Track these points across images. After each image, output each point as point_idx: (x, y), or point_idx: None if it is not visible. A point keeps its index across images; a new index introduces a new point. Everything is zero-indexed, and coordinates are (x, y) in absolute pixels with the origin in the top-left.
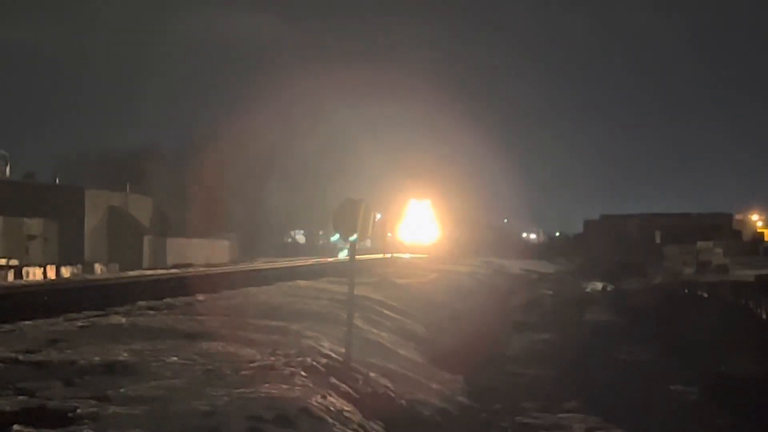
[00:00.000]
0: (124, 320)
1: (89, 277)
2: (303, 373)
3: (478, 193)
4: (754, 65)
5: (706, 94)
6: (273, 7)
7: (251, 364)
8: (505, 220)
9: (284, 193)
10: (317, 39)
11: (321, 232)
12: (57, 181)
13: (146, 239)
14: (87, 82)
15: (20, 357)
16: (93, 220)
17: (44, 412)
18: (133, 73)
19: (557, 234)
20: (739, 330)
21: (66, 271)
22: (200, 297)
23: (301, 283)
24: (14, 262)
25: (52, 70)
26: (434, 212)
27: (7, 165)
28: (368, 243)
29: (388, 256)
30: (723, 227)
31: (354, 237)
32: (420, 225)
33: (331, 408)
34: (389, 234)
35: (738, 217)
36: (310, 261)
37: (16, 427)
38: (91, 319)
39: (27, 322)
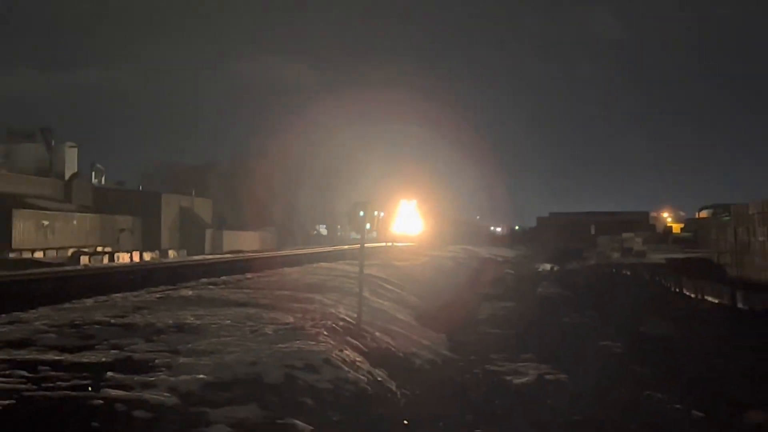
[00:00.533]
0: (190, 293)
1: (165, 260)
2: (325, 333)
3: (455, 194)
4: (671, 89)
5: (628, 115)
6: (301, 58)
7: (286, 326)
8: (477, 217)
9: (310, 197)
10: (332, 81)
11: (338, 226)
12: (140, 187)
13: (208, 232)
14: (163, 112)
15: (112, 320)
16: (168, 217)
17: (131, 362)
18: (197, 105)
19: (516, 227)
20: (653, 300)
21: (147, 256)
22: (248, 275)
23: (323, 264)
24: (108, 249)
25: (136, 102)
26: (420, 210)
27: (103, 176)
28: (374, 234)
29: (389, 244)
30: (641, 222)
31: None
32: (408, 220)
33: (347, 359)
34: (391, 227)
35: (653, 214)
36: (330, 248)
37: (109, 373)
38: (165, 292)
39: (118, 294)
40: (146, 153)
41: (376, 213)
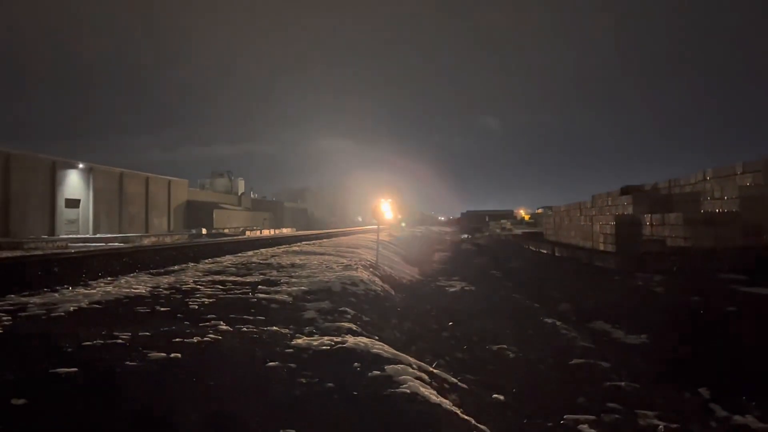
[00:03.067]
0: (297, 248)
1: (283, 235)
2: (361, 267)
3: (423, 198)
4: (528, 154)
5: (507, 164)
6: (349, 137)
7: (342, 264)
8: (432, 212)
9: (354, 201)
10: (363, 147)
11: (367, 217)
12: (274, 198)
13: (305, 220)
14: (287, 163)
15: (260, 261)
16: (286, 213)
17: (269, 281)
18: (302, 159)
19: (451, 217)
20: (515, 251)
21: (276, 231)
22: (324, 240)
23: (360, 235)
24: (257, 228)
25: (273, 157)
26: (401, 206)
27: (255, 194)
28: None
29: (394, 225)
30: (510, 214)
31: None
32: (388, 212)
33: (372, 280)
34: (398, 217)
35: (515, 210)
36: (362, 228)
37: (259, 287)
38: (285, 248)
39: (262, 249)
40: (276, 182)
41: (383, 209)
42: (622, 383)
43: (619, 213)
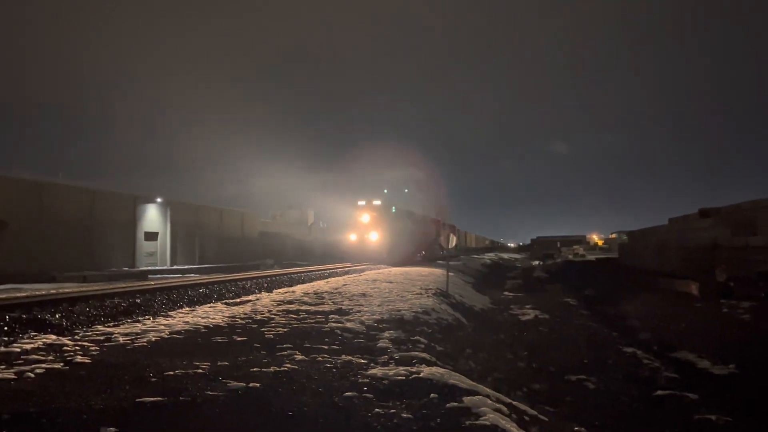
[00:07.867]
0: (366, 277)
1: (351, 263)
2: (432, 295)
3: (493, 225)
4: (593, 177)
5: (577, 188)
6: (410, 163)
7: (413, 292)
8: (501, 239)
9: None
10: (426, 178)
11: None
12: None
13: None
14: (340, 193)
15: (332, 290)
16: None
17: (341, 310)
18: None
19: (521, 243)
20: (589, 279)
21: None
22: (393, 269)
23: (427, 265)
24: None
25: (335, 186)
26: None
27: (324, 224)
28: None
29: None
30: (582, 240)
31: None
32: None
33: (442, 308)
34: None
35: (588, 236)
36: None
37: (331, 315)
38: (354, 277)
39: (332, 278)
40: (338, 213)
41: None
42: (713, 416)
43: (699, 236)
